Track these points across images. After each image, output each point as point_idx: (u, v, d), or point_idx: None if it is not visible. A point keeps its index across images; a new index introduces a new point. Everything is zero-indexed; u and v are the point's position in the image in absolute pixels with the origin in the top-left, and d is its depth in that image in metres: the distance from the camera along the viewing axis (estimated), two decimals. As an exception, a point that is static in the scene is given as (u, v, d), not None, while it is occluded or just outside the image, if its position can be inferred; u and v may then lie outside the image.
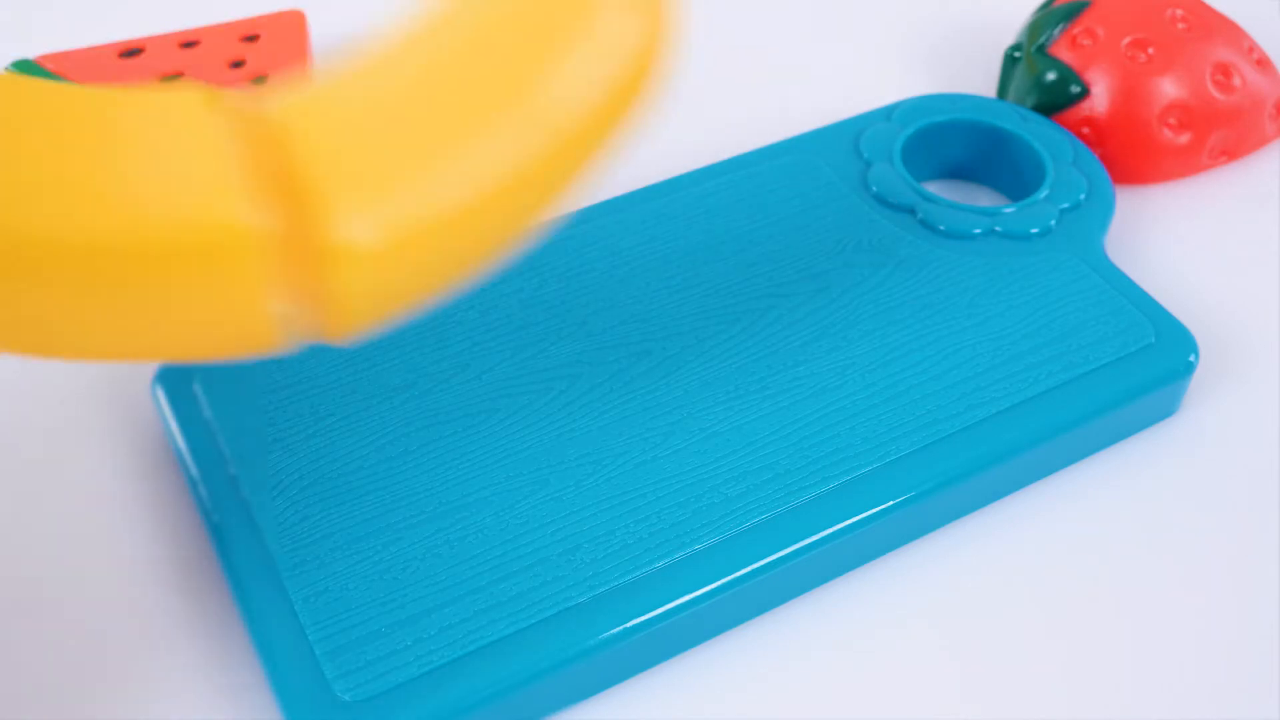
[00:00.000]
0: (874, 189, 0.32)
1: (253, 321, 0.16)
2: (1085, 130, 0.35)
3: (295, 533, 0.24)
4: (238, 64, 0.37)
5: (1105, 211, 0.32)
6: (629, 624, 0.23)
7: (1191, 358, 0.29)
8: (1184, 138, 0.35)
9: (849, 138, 0.34)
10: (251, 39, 0.38)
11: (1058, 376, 0.28)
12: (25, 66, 0.35)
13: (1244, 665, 0.25)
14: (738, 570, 0.24)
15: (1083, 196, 0.32)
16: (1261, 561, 0.27)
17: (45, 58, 0.36)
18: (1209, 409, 0.30)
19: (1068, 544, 0.27)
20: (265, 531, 0.24)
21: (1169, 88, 0.34)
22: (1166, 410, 0.29)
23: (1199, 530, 0.27)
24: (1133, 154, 0.35)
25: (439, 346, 0.28)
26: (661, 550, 0.24)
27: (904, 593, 0.26)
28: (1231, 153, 0.36)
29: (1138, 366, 0.28)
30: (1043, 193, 0.32)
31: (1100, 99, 0.35)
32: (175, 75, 0.36)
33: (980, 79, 0.39)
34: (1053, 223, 0.31)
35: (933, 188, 0.35)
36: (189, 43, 0.38)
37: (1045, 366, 0.28)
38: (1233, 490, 0.28)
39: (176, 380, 0.27)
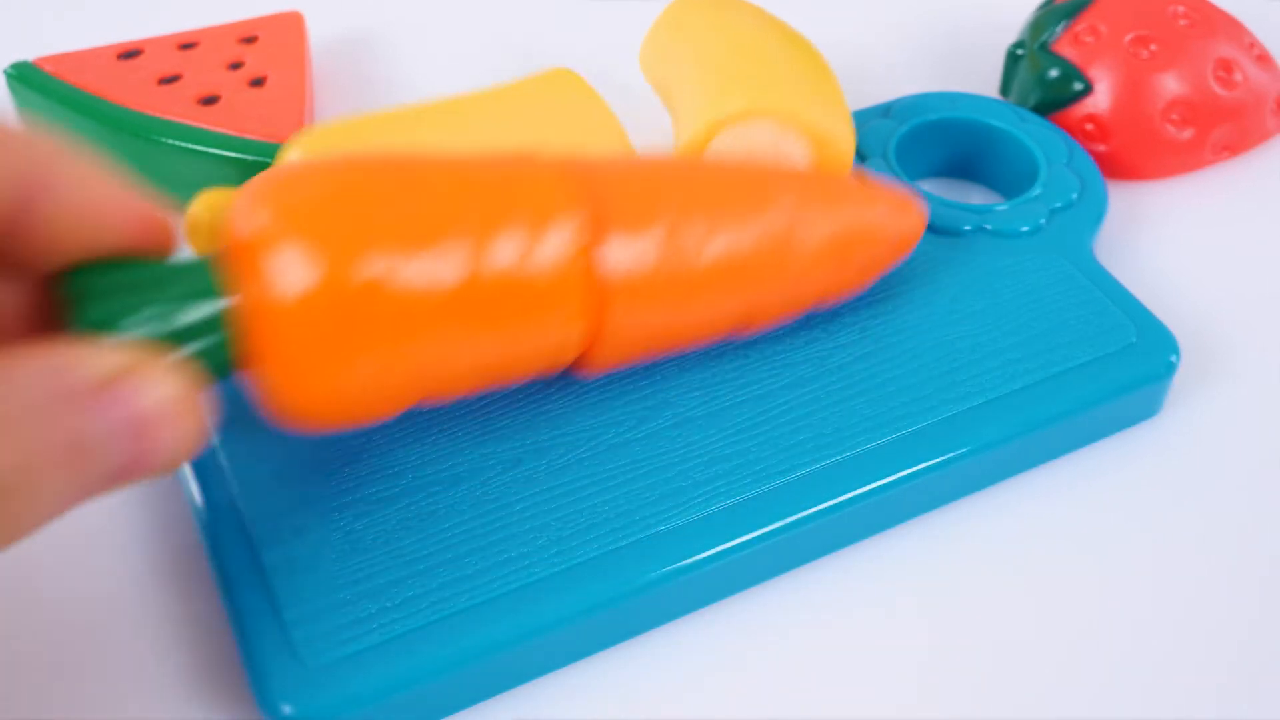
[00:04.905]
0: (865, 185, 0.36)
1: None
2: (1088, 126, 0.38)
3: (273, 501, 0.28)
4: (236, 65, 0.41)
5: (1096, 212, 0.35)
6: (588, 601, 0.26)
7: (1172, 358, 0.31)
8: (1186, 133, 0.38)
9: (844, 135, 0.37)
10: (250, 40, 0.42)
11: (1035, 374, 0.31)
12: (24, 68, 0.39)
13: (1219, 658, 0.28)
14: (700, 553, 0.27)
15: (1075, 196, 0.35)
16: (1239, 565, 0.29)
17: (44, 59, 0.40)
18: (1192, 410, 0.32)
19: (1036, 539, 0.30)
20: (242, 499, 0.28)
21: (1171, 84, 0.37)
22: (1148, 411, 0.32)
23: (1169, 529, 0.30)
24: (1135, 150, 0.38)
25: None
26: (626, 531, 0.27)
27: (869, 582, 0.29)
28: (1234, 148, 0.39)
29: (1117, 366, 0.31)
30: (1035, 192, 0.35)
31: (1103, 95, 0.38)
32: (174, 77, 0.40)
33: (983, 76, 0.43)
34: (1042, 222, 0.34)
35: (929, 185, 0.38)
36: (188, 44, 0.42)
37: (1023, 364, 0.31)
38: (1208, 491, 0.31)
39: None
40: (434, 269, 0.25)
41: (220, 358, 0.24)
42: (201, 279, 0.24)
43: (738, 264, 0.29)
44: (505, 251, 0.26)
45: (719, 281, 0.29)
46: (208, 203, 0.31)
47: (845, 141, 0.34)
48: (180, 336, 0.24)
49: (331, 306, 0.24)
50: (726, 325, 0.30)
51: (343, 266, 0.24)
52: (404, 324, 0.25)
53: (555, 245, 0.26)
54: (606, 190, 0.28)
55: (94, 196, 0.24)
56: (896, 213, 0.32)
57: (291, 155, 0.33)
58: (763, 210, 0.29)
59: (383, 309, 0.25)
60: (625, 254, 0.28)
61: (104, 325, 0.23)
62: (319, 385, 0.25)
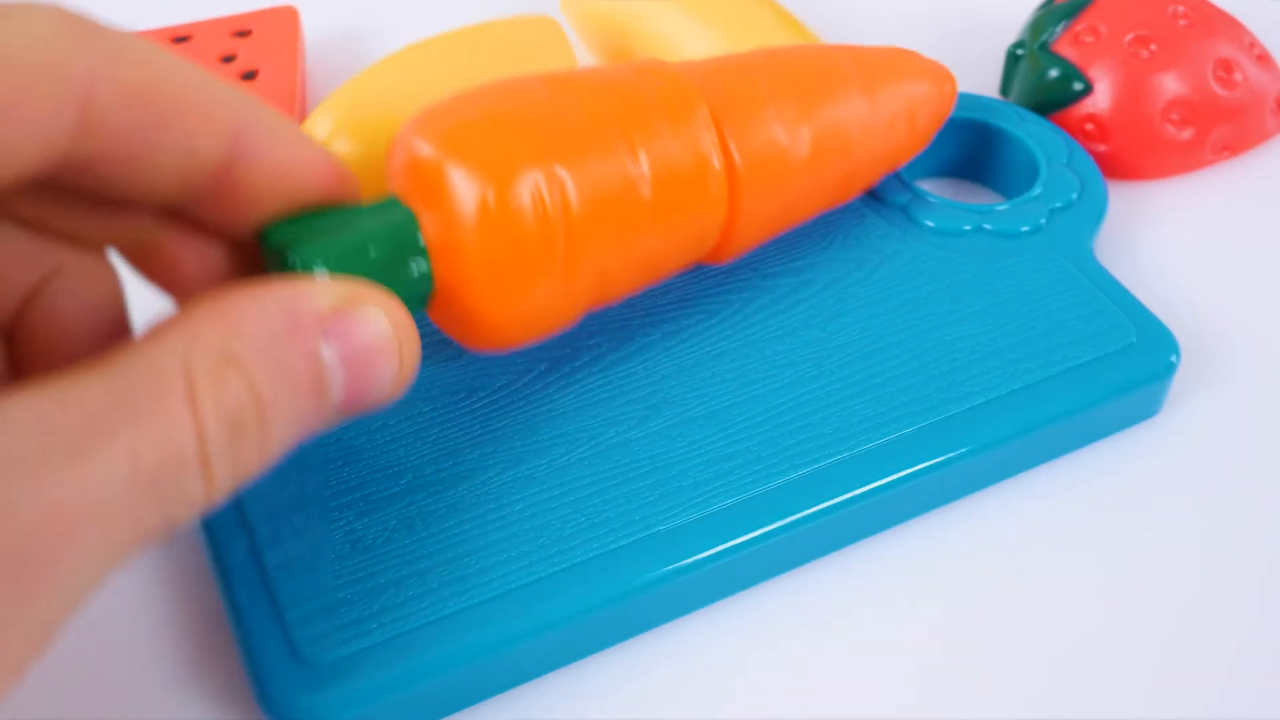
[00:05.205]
0: (865, 184, 0.36)
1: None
2: (1088, 127, 0.38)
3: (273, 501, 0.28)
4: (229, 59, 0.41)
5: (1096, 212, 0.35)
6: (588, 601, 0.27)
7: (1173, 358, 0.31)
8: (1186, 133, 0.38)
9: (843, 133, 0.38)
10: (244, 34, 0.42)
11: (1035, 374, 0.31)
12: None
13: (1219, 657, 0.28)
14: (700, 553, 0.27)
15: (1075, 196, 0.35)
16: (1239, 565, 0.30)
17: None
18: (1192, 410, 0.33)
19: (1036, 539, 0.30)
20: (244, 498, 0.28)
21: (1171, 84, 0.38)
22: (1148, 410, 0.32)
23: (1169, 529, 0.30)
24: (1135, 150, 0.38)
25: (423, 325, 0.32)
26: (626, 530, 0.28)
27: (869, 582, 0.29)
28: (1234, 148, 0.39)
29: (1117, 366, 0.31)
30: (1035, 192, 0.36)
31: (1103, 95, 0.38)
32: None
33: (983, 76, 0.43)
34: (1043, 221, 0.35)
35: (929, 185, 0.39)
36: (181, 37, 0.42)
37: (1023, 364, 0.31)
38: (1208, 491, 0.31)
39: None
40: (598, 175, 0.27)
41: (418, 291, 0.26)
42: (392, 217, 0.26)
43: (835, 136, 0.32)
44: (656, 150, 0.28)
45: (822, 154, 0.32)
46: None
47: None
48: (382, 273, 0.25)
49: (511, 222, 0.26)
50: (832, 194, 0.33)
51: (515, 182, 0.26)
52: (578, 229, 0.27)
53: (696, 139, 0.29)
54: (718, 86, 0.31)
55: (289, 154, 0.24)
56: (938, 80, 0.35)
57: (322, 125, 0.35)
58: (843, 87, 0.33)
59: (557, 218, 0.27)
60: (748, 139, 0.30)
61: (314, 265, 0.24)
62: (510, 301, 0.27)
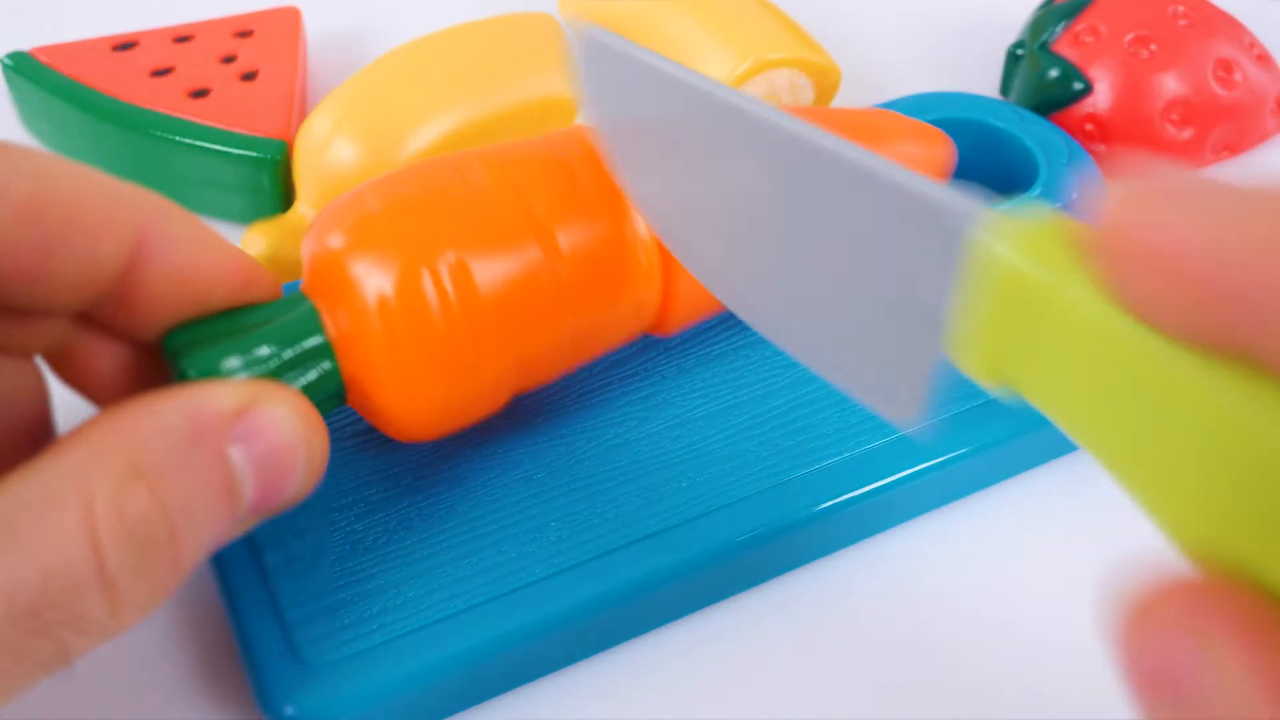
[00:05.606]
0: (864, 185, 0.36)
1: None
2: (1088, 126, 0.38)
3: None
4: (229, 59, 0.41)
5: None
6: (587, 602, 0.27)
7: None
8: (1186, 133, 0.38)
9: (843, 134, 0.38)
10: (245, 34, 0.42)
11: (1035, 371, 0.31)
12: (20, 58, 0.39)
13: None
14: (700, 554, 0.28)
15: (1075, 196, 0.35)
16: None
17: (39, 50, 0.40)
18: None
19: (1036, 540, 0.30)
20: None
21: (1171, 84, 0.38)
22: (1149, 407, 0.32)
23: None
24: (1135, 150, 0.38)
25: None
26: (626, 531, 0.28)
27: (870, 583, 0.29)
28: (1234, 148, 0.39)
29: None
30: (1035, 192, 0.36)
31: (1103, 95, 0.38)
32: (166, 69, 0.40)
33: (983, 76, 0.43)
34: (1043, 220, 0.35)
35: (929, 185, 0.39)
36: (182, 37, 0.42)
37: (1023, 361, 0.31)
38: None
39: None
40: (505, 261, 0.26)
41: (326, 388, 0.25)
42: (294, 315, 0.25)
43: None
44: (573, 227, 0.27)
45: None
46: (260, 235, 0.35)
47: (835, 71, 0.40)
48: (286, 372, 0.24)
49: (412, 316, 0.25)
50: None
51: (414, 275, 0.25)
52: (487, 318, 0.26)
53: (620, 210, 0.28)
54: None
55: (195, 257, 0.24)
56: (926, 142, 0.33)
57: (321, 124, 0.36)
58: None
59: (461, 309, 0.26)
60: None
61: (209, 372, 0.23)
62: (418, 395, 0.26)
